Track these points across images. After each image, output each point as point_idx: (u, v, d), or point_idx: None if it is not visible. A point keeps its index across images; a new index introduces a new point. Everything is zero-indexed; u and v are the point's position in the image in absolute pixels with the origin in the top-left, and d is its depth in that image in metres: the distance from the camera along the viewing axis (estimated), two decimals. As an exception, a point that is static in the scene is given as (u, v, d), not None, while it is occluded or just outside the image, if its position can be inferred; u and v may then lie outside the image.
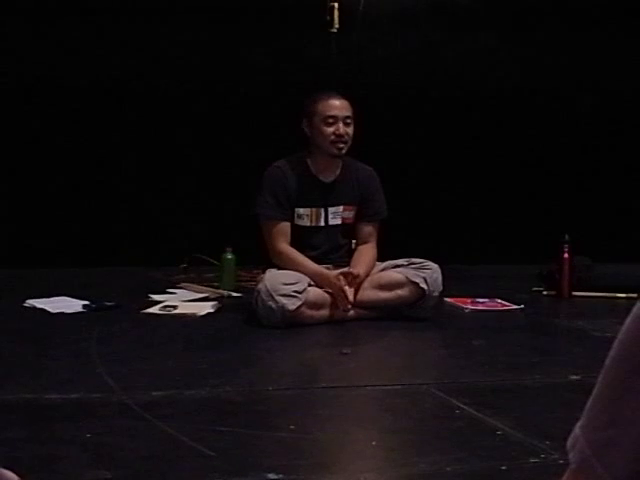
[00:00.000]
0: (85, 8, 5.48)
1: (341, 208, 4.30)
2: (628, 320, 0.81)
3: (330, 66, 5.61)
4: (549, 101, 6.23)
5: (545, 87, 6.19)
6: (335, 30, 5.62)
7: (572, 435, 0.82)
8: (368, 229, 4.33)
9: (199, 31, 5.68)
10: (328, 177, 4.29)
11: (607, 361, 0.81)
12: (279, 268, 4.09)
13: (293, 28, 5.72)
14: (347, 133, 4.17)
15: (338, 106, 4.19)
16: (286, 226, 4.20)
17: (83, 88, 5.56)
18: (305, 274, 4.06)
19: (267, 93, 5.62)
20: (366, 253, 4.27)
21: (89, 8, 5.48)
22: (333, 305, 4.07)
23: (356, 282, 4.06)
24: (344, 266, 4.22)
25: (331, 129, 4.16)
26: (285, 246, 4.16)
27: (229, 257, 4.82)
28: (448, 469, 2.21)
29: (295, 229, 4.23)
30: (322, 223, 4.28)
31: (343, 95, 4.26)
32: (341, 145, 4.16)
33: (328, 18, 5.60)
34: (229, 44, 5.71)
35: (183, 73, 5.69)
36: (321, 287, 4.06)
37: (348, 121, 4.18)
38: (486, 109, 6.10)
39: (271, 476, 2.12)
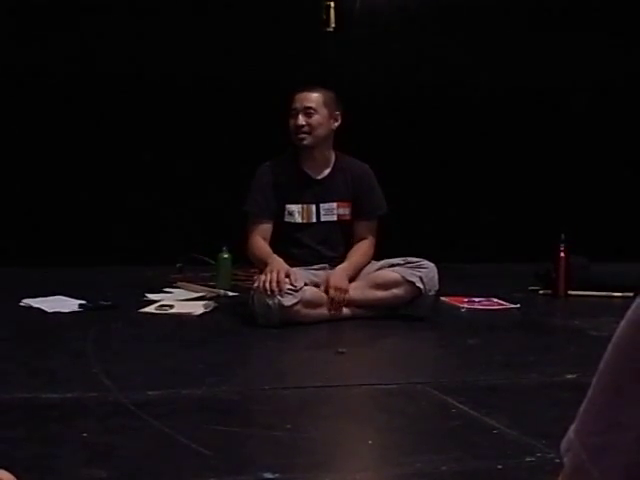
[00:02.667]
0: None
1: (335, 205, 4.31)
2: (623, 324, 0.80)
3: (327, 65, 5.60)
4: (545, 100, 6.23)
5: (541, 86, 6.18)
6: (331, 29, 5.62)
7: (566, 439, 0.82)
8: (364, 226, 4.33)
9: (194, 28, 5.67)
10: (319, 173, 4.30)
11: (601, 365, 0.81)
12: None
13: (290, 27, 5.72)
14: (308, 123, 4.20)
15: (298, 98, 4.25)
16: (268, 225, 4.22)
17: (80, 83, 5.55)
18: (263, 259, 4.07)
19: (263, 92, 5.61)
20: (358, 249, 4.28)
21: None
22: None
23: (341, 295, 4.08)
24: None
25: (292, 121, 4.22)
26: (254, 237, 4.19)
27: (225, 256, 4.82)
28: (444, 468, 2.22)
29: (286, 227, 4.24)
30: (314, 220, 4.29)
31: (318, 87, 4.28)
32: (301, 135, 4.20)
33: (324, 17, 5.60)
34: (224, 43, 5.70)
35: (180, 71, 5.68)
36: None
37: (309, 111, 4.21)
38: (483, 108, 6.10)
39: (267, 475, 2.12)
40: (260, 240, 4.19)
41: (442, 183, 6.09)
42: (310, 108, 4.22)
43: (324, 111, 4.23)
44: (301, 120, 4.19)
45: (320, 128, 4.22)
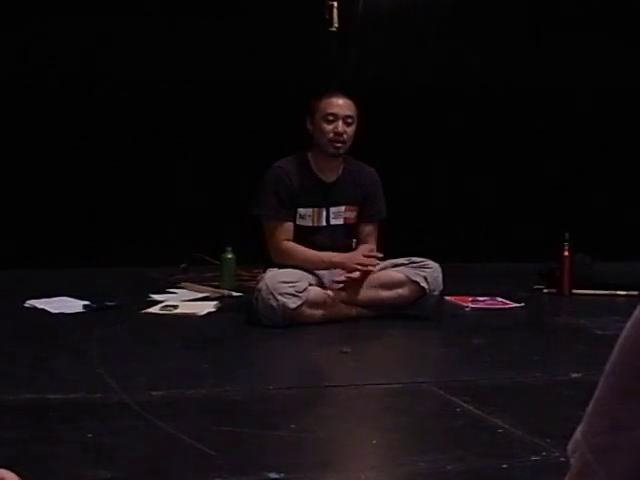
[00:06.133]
0: (85, 4, 5.48)
1: (343, 208, 4.29)
2: (629, 324, 0.80)
3: (330, 65, 5.60)
4: (550, 99, 6.22)
5: (545, 85, 6.18)
6: (335, 29, 5.62)
7: (573, 440, 0.82)
8: (369, 228, 4.33)
9: (198, 29, 5.67)
10: (330, 177, 4.28)
11: (608, 366, 0.80)
12: (280, 267, 4.08)
13: (293, 27, 5.71)
14: (346, 132, 4.14)
15: (339, 104, 4.18)
16: (289, 226, 4.19)
17: (82, 84, 5.55)
18: (313, 263, 4.10)
19: (267, 92, 5.61)
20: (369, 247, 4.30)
21: (89, 4, 5.48)
22: (332, 304, 4.07)
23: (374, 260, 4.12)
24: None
25: (330, 127, 4.14)
26: (287, 243, 4.16)
27: (229, 256, 4.82)
28: (449, 467, 2.21)
29: (297, 230, 4.22)
30: (324, 223, 4.27)
31: (348, 95, 4.24)
32: (338, 144, 4.14)
33: (327, 16, 5.60)
34: (228, 43, 5.70)
35: (183, 72, 5.68)
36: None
37: (349, 121, 4.16)
38: (486, 107, 6.09)
39: (272, 475, 2.12)
40: (291, 244, 4.15)
41: (446, 182, 6.09)
42: (350, 117, 4.15)
43: (356, 121, 4.20)
44: (341, 127, 4.13)
45: (352, 139, 4.19)
